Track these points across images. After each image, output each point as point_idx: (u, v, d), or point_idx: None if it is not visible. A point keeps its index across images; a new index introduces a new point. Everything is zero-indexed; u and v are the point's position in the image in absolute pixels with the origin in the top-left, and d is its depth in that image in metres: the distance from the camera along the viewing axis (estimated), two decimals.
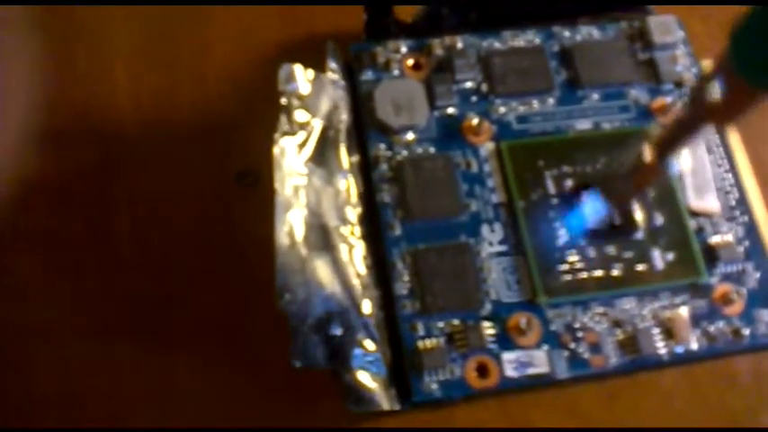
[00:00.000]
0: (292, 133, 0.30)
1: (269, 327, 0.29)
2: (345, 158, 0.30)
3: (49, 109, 0.33)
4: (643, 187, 0.29)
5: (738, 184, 0.31)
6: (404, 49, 0.33)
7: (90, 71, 0.34)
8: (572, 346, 0.29)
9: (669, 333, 0.29)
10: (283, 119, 0.30)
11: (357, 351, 0.27)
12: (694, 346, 0.29)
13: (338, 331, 0.27)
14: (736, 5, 0.22)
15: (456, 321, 0.29)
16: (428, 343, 0.28)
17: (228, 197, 0.32)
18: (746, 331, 0.29)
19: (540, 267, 0.29)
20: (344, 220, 0.29)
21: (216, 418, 0.29)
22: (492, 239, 0.30)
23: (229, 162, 0.32)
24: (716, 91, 0.23)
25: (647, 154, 0.27)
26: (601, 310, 0.29)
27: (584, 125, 0.32)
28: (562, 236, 0.30)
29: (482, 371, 0.28)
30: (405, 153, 0.31)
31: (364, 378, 0.27)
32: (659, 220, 0.30)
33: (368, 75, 0.32)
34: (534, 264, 0.29)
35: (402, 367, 0.28)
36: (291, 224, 0.28)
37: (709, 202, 0.31)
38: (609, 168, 0.30)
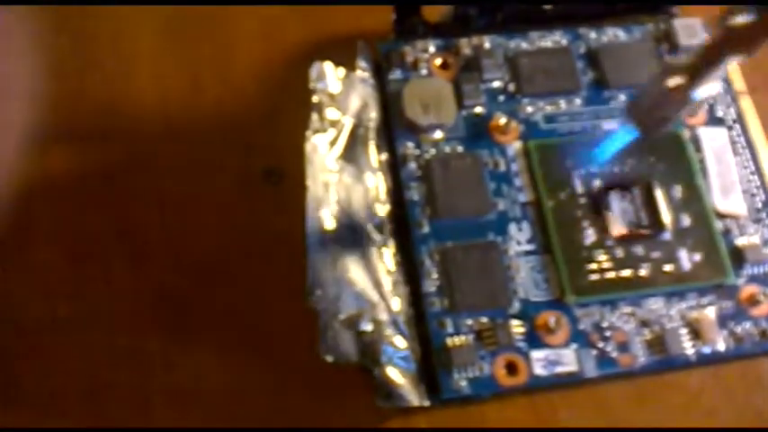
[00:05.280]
0: (323, 130, 0.30)
1: (294, 322, 0.29)
2: (375, 156, 0.30)
3: (75, 107, 0.34)
4: (669, 116, 0.27)
5: (764, 186, 0.32)
6: (432, 49, 0.33)
7: (116, 70, 0.34)
8: (600, 345, 0.29)
9: (696, 333, 0.29)
10: (314, 116, 0.30)
11: (387, 347, 0.27)
12: (721, 346, 0.29)
13: (368, 327, 0.27)
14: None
15: (484, 319, 0.29)
16: (457, 340, 0.28)
17: (254, 194, 0.32)
18: None
19: (568, 266, 0.29)
20: (374, 217, 0.29)
21: (240, 413, 0.29)
22: (520, 238, 0.30)
23: (254, 159, 0.33)
24: (741, 18, 0.23)
25: (672, 81, 0.26)
26: (629, 309, 0.29)
27: (610, 125, 0.32)
28: (590, 235, 0.30)
29: (511, 369, 0.28)
30: (433, 152, 0.31)
31: (394, 374, 0.27)
32: (686, 221, 0.30)
33: (396, 74, 0.32)
34: (562, 263, 0.29)
35: (431, 364, 0.28)
36: (322, 220, 0.28)
37: (736, 204, 0.31)
38: (637, 95, 0.29)
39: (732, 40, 0.24)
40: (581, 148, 0.31)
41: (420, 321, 0.29)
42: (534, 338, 0.29)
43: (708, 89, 0.26)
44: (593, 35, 0.34)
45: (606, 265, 0.30)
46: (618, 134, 0.29)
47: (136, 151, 0.33)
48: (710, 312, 0.29)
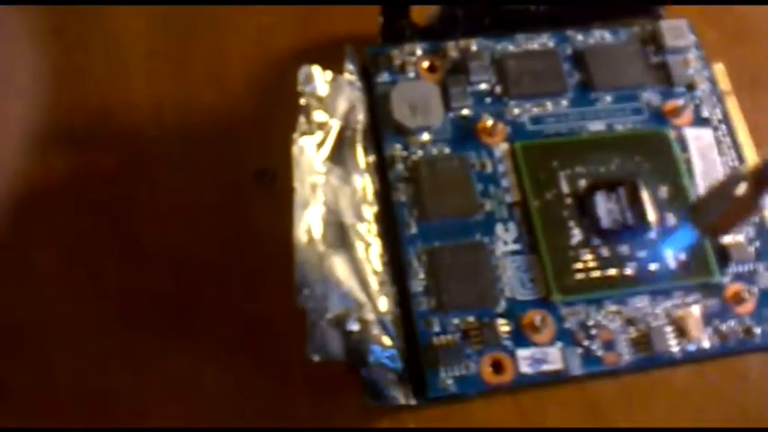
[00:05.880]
0: (311, 133, 0.30)
1: (287, 322, 0.29)
2: (362, 158, 0.31)
3: (68, 111, 0.34)
4: (736, 221, 0.28)
5: None
6: (419, 52, 0.33)
7: (109, 73, 0.35)
8: (586, 343, 0.29)
9: (681, 331, 0.29)
10: (302, 119, 0.30)
11: (374, 346, 0.28)
12: (706, 344, 0.29)
13: (355, 327, 0.28)
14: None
15: (471, 318, 0.29)
16: (443, 339, 0.29)
17: (246, 195, 0.32)
18: (758, 330, 0.30)
19: (554, 266, 0.30)
20: (361, 218, 0.30)
21: (235, 413, 0.29)
22: (506, 238, 0.30)
23: (246, 161, 0.33)
24: None
25: (741, 188, 0.26)
26: (614, 308, 0.30)
27: (597, 127, 0.32)
28: (576, 235, 0.30)
29: (497, 367, 0.28)
30: (420, 153, 0.31)
31: (381, 373, 0.28)
32: (672, 220, 0.31)
33: (384, 77, 0.32)
34: (548, 262, 0.30)
35: (418, 363, 0.28)
36: (309, 222, 0.29)
37: None
38: (699, 198, 0.30)
39: None
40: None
41: (407, 321, 0.29)
42: (520, 337, 0.29)
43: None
44: (579, 37, 0.34)
45: (592, 264, 0.30)
46: (680, 235, 0.30)
47: (130, 153, 0.33)
48: (696, 310, 0.30)
